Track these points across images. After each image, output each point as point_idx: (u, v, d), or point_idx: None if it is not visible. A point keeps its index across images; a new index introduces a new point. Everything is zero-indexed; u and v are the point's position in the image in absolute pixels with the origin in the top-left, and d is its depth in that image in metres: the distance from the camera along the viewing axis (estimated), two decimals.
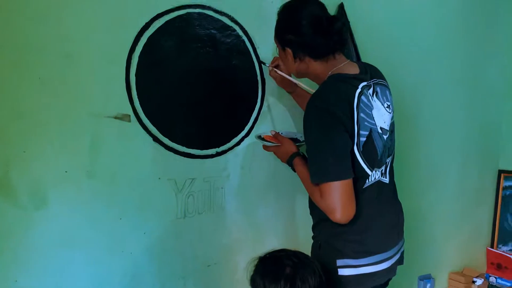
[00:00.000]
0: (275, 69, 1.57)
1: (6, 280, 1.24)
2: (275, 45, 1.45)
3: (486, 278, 2.46)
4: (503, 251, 2.48)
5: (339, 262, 1.32)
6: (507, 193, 2.59)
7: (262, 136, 1.58)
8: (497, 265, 2.48)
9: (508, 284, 2.39)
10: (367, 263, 1.32)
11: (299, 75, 1.45)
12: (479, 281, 2.37)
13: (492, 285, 2.44)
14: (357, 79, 1.31)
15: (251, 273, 1.26)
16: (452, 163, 2.42)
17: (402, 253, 1.47)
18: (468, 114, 2.43)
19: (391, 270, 1.39)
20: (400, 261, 1.46)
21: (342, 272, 1.31)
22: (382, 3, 1.98)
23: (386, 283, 1.47)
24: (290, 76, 1.54)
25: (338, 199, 1.22)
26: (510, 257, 2.39)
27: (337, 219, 1.23)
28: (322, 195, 1.24)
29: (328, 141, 1.24)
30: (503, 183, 2.61)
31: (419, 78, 2.17)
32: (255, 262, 1.26)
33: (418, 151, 2.22)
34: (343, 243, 1.32)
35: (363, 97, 1.28)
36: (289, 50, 1.36)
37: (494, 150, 2.60)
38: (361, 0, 1.89)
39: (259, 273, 1.23)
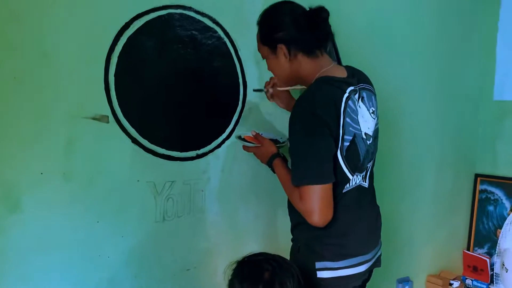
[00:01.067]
0: (274, 88, 1.57)
1: None
2: (256, 48, 1.43)
3: (463, 280, 2.49)
4: (479, 254, 2.52)
5: (318, 264, 1.31)
6: (483, 196, 2.64)
7: (242, 137, 1.56)
8: (473, 267, 2.51)
9: (484, 286, 2.43)
10: (345, 265, 1.32)
11: (291, 79, 1.42)
12: (455, 284, 2.40)
13: (468, 287, 2.48)
14: (345, 82, 1.31)
15: (230, 277, 1.24)
16: (429, 167, 2.45)
17: (379, 256, 1.48)
18: (445, 120, 2.47)
19: (367, 272, 1.40)
20: (376, 264, 1.47)
21: (321, 274, 1.31)
22: (362, 9, 2.00)
23: (363, 285, 1.48)
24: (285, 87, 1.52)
25: (317, 202, 1.22)
26: (486, 260, 2.43)
27: (314, 222, 1.23)
28: (302, 198, 1.24)
29: (312, 145, 1.23)
30: (479, 187, 2.66)
31: (398, 84, 2.20)
32: (234, 266, 1.25)
33: (397, 155, 2.25)
34: (322, 246, 1.32)
35: (350, 102, 1.28)
36: (282, 47, 1.33)
37: (471, 154, 2.65)
38: (341, 5, 1.90)
39: (238, 277, 1.22)
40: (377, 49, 2.08)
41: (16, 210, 1.24)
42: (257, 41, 1.41)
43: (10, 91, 1.21)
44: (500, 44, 2.60)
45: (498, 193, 2.58)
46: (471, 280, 2.49)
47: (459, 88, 2.53)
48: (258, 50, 1.42)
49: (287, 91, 1.59)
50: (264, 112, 1.73)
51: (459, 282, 2.43)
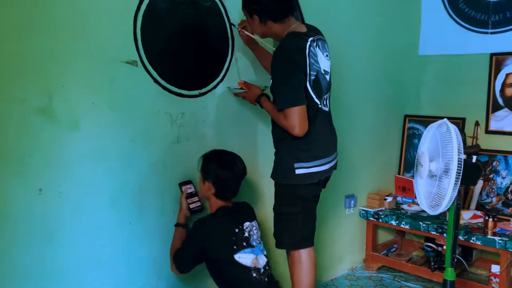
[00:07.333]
0: (243, 30, 2.04)
1: (52, 185, 1.64)
2: (242, 10, 1.92)
3: (395, 197, 3.18)
4: (407, 177, 3.22)
5: (296, 165, 1.87)
6: (410, 132, 3.32)
7: (232, 88, 2.08)
8: (402, 188, 3.20)
9: (410, 200, 3.14)
10: (314, 165, 1.89)
11: (263, 36, 1.95)
12: (389, 199, 3.07)
13: (398, 202, 3.18)
14: (306, 35, 1.85)
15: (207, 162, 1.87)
16: (368, 110, 3.05)
17: (336, 161, 2.06)
18: (381, 71, 3.07)
19: (329, 171, 1.99)
20: (335, 166, 2.05)
21: (298, 171, 1.87)
22: None
23: (327, 180, 2.06)
24: (253, 35, 2.03)
25: (297, 119, 1.76)
26: (411, 181, 3.11)
27: (296, 133, 1.78)
28: (286, 117, 1.78)
29: (289, 79, 1.78)
30: (408, 125, 3.34)
31: (345, 42, 2.74)
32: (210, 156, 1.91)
33: (343, 100, 2.79)
34: (298, 152, 1.87)
35: (311, 48, 1.82)
36: (256, 17, 1.85)
37: (401, 98, 3.30)
38: None
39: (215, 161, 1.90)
40: (331, 15, 2.62)
41: (76, 129, 1.67)
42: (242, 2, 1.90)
43: (70, 44, 1.62)
44: (425, 8, 3.23)
45: (421, 128, 3.26)
46: (401, 197, 3.19)
47: (391, 45, 3.12)
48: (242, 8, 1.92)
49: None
50: (247, 61, 2.23)
51: (392, 198, 3.11)
